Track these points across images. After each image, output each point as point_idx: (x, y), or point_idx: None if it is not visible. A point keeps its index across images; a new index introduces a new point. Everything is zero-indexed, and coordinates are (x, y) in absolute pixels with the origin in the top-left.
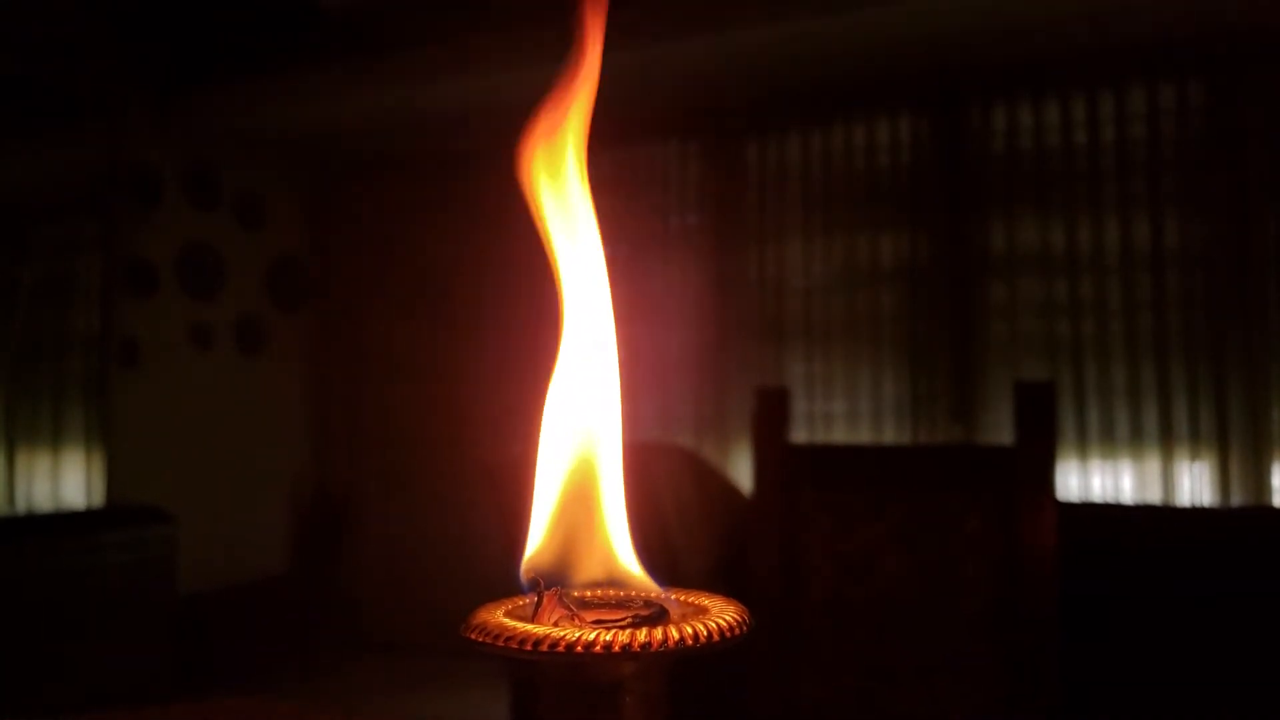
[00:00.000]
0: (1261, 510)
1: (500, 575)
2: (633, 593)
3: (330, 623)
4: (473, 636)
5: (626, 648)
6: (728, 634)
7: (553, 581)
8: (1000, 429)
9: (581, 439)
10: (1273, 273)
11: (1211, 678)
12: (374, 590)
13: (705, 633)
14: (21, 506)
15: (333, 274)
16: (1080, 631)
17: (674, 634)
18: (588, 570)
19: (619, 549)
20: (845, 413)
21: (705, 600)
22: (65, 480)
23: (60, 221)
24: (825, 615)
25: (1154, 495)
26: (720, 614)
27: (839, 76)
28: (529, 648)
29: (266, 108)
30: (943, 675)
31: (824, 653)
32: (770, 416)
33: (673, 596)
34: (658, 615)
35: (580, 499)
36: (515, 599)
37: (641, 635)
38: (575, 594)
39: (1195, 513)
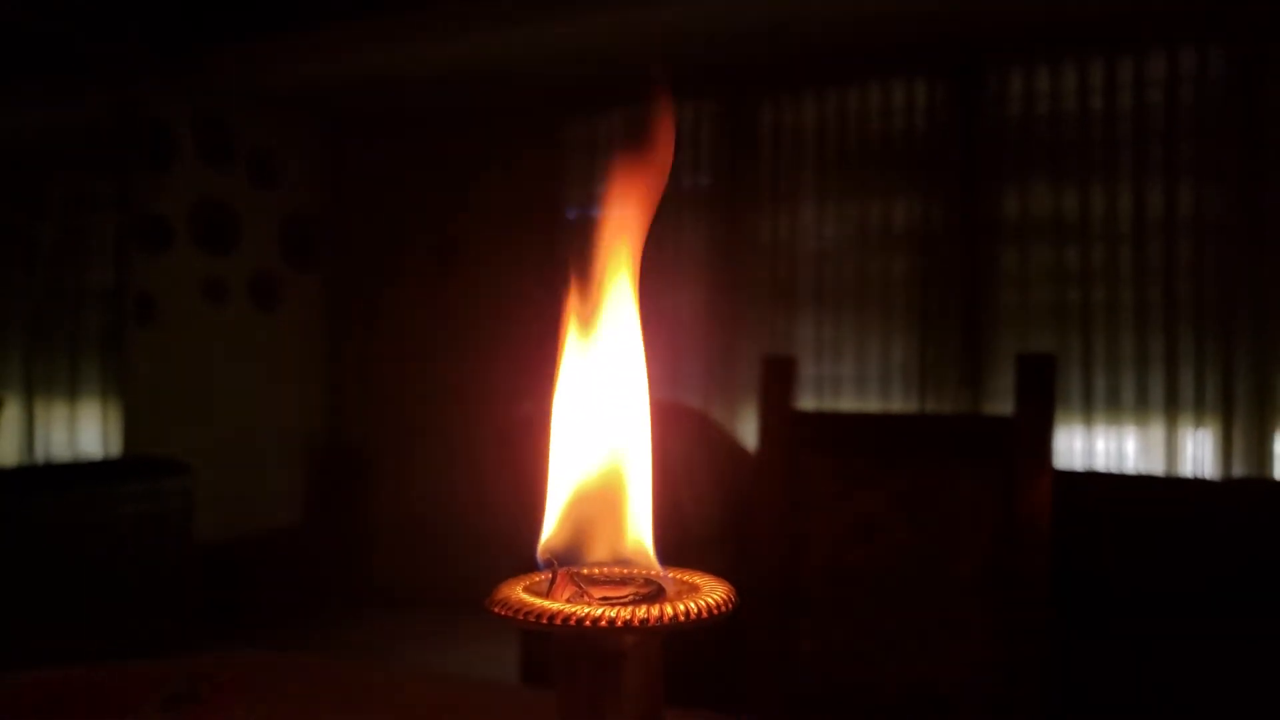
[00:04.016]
0: (1260, 482)
1: (511, 532)
2: (634, 571)
3: (343, 575)
4: (496, 610)
5: (628, 623)
6: (715, 611)
7: (564, 561)
8: (1009, 395)
9: (603, 439)
10: None
11: (1205, 651)
12: (387, 544)
13: (696, 610)
14: (40, 456)
15: (346, 230)
16: (1077, 598)
17: (668, 610)
18: (596, 552)
19: (630, 533)
20: (854, 377)
21: (698, 579)
22: (82, 431)
23: (75, 177)
24: (825, 576)
25: (1157, 461)
26: (710, 592)
27: (855, 38)
28: (544, 621)
29: (279, 64)
30: (937, 635)
31: (823, 612)
32: (777, 383)
33: (669, 575)
34: (655, 593)
35: (596, 495)
36: (532, 575)
37: (641, 611)
38: (584, 572)
39: (1194, 483)
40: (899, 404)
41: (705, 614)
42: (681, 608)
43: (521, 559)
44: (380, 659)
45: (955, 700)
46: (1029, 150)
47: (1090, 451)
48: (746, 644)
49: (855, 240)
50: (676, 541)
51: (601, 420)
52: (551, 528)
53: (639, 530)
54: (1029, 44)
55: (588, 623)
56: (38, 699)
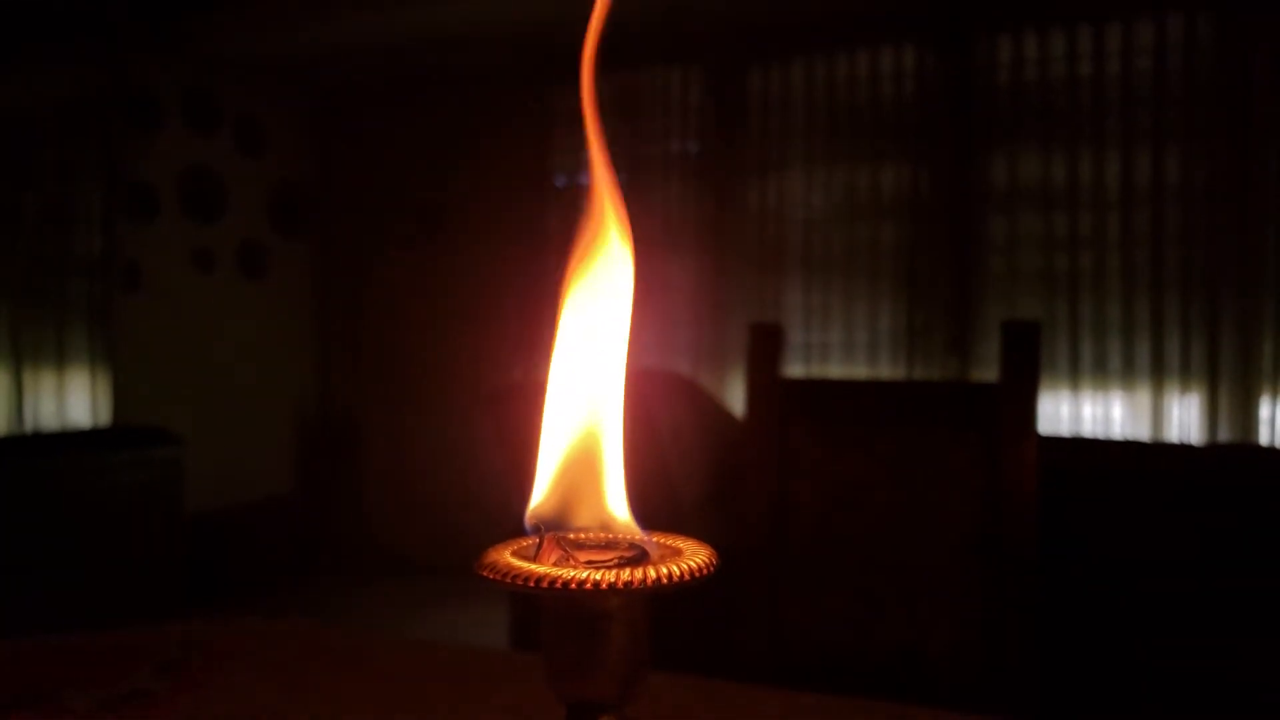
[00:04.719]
0: (1245, 447)
1: (499, 498)
2: (619, 536)
3: (333, 542)
4: (485, 574)
5: (612, 585)
6: (697, 574)
7: (551, 527)
8: (996, 362)
9: (587, 409)
10: (1270, 209)
11: (1190, 614)
12: (376, 511)
13: (678, 572)
14: (28, 426)
15: (334, 198)
16: (1063, 563)
17: (651, 574)
18: (582, 518)
19: (611, 500)
20: (841, 344)
21: (680, 543)
22: (71, 400)
23: (61, 146)
24: (813, 543)
25: (1144, 427)
26: (692, 556)
27: (844, 4)
28: (532, 584)
29: (266, 30)
30: (924, 600)
31: (811, 578)
32: (764, 350)
33: (653, 539)
34: (639, 557)
35: (581, 464)
36: (520, 540)
37: (625, 575)
38: (571, 537)
39: (1180, 449)
40: (887, 371)
41: (687, 576)
42: (664, 570)
43: (510, 525)
44: (370, 624)
45: (943, 663)
46: (1017, 117)
47: (1077, 417)
48: (734, 608)
49: (844, 207)
50: (666, 507)
51: (586, 388)
52: (539, 495)
53: (619, 497)
54: (1018, 10)
55: (573, 585)
56: (30, 666)
